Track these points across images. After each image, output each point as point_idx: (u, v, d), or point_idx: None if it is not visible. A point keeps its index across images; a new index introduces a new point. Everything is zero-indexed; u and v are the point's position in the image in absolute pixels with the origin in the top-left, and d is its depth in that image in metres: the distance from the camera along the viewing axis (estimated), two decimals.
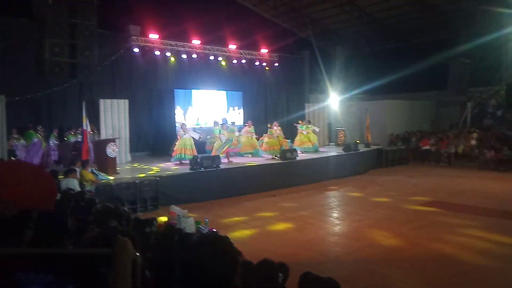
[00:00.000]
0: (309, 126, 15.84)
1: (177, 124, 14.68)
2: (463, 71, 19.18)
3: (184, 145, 12.12)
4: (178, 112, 15.56)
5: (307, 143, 15.35)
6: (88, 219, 3.52)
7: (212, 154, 12.39)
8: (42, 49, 12.14)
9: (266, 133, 14.91)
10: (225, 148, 12.62)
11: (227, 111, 17.10)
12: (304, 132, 15.52)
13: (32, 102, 12.28)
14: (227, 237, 1.35)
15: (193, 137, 12.33)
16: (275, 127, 14.87)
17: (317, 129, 16.04)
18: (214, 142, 13.05)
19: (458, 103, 19.69)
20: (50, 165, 11.36)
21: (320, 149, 16.08)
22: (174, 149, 12.29)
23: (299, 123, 15.83)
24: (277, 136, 14.71)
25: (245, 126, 14.78)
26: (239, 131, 14.26)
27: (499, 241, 6.84)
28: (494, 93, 18.58)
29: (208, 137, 14.20)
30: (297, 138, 15.55)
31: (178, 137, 12.34)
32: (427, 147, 17.55)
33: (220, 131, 12.87)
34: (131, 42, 14.44)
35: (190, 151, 12.04)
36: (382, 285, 5.11)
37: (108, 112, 12.40)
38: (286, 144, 14.78)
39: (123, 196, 8.81)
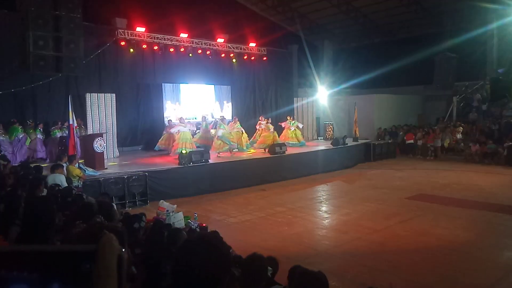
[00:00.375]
0: (293, 122, 15.91)
1: (165, 119, 14.57)
2: (448, 66, 19.40)
3: (184, 139, 12.23)
4: (169, 106, 15.44)
5: (293, 139, 15.36)
6: (75, 214, 3.48)
7: (212, 149, 12.44)
8: (25, 42, 11.85)
9: (261, 127, 15.10)
10: (226, 148, 12.65)
11: (222, 106, 17.04)
12: (292, 128, 15.59)
13: (16, 96, 12.04)
14: (217, 232, 1.35)
15: (192, 130, 12.49)
16: (260, 121, 15.00)
17: (300, 125, 16.08)
18: (207, 137, 13.16)
19: (444, 98, 19.96)
20: (37, 160, 11.18)
21: (309, 144, 16.16)
22: (174, 143, 12.34)
23: (288, 119, 15.91)
24: (273, 132, 14.82)
25: (230, 122, 14.79)
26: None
27: (484, 233, 6.98)
28: (479, 88, 18.89)
29: (197, 131, 14.15)
30: (283, 133, 15.56)
31: (174, 131, 12.35)
32: (411, 141, 17.79)
33: (221, 126, 12.90)
34: (118, 35, 14.22)
35: (190, 145, 12.21)
36: (370, 277, 5.18)
37: (94, 106, 12.22)
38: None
39: (111, 191, 8.74)
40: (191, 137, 12.64)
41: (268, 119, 15.17)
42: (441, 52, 18.82)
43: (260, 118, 15.50)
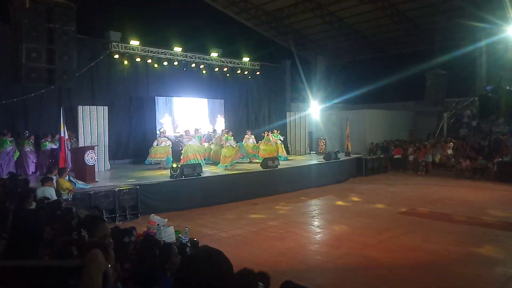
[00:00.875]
0: (276, 135, 16.08)
1: (157, 132, 14.56)
2: (439, 82, 19.75)
3: (194, 150, 12.56)
4: (166, 120, 15.46)
5: (275, 153, 15.25)
6: (62, 228, 3.44)
7: (222, 162, 12.88)
8: (18, 53, 11.86)
9: (262, 140, 15.45)
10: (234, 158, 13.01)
11: (215, 120, 17.11)
12: (279, 142, 15.64)
13: (7, 108, 11.96)
14: (222, 253, 1.32)
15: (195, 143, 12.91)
16: (247, 136, 15.16)
17: (281, 138, 16.19)
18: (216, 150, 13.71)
19: (435, 113, 20.22)
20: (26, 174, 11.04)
21: (301, 158, 16.27)
22: (183, 156, 12.53)
23: (274, 133, 16.01)
24: (276, 143, 15.12)
25: (218, 135, 14.93)
26: (209, 140, 14.82)
27: (475, 249, 7.01)
28: (469, 104, 19.18)
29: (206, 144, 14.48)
30: (266, 147, 15.41)
31: (185, 143, 12.68)
32: (399, 156, 17.95)
33: (227, 138, 13.19)
34: (111, 48, 14.28)
35: (199, 156, 12.71)
36: None
37: (86, 119, 12.21)
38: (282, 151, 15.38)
39: (102, 204, 8.66)
40: (198, 148, 13.06)
41: (268, 132, 15.61)
42: (432, 68, 19.17)
43: (247, 133, 15.62)
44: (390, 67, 19.51)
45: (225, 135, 13.68)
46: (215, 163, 13.64)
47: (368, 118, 19.36)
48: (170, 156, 13.14)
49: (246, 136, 15.50)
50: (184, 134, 13.43)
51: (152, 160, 13.15)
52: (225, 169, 12.75)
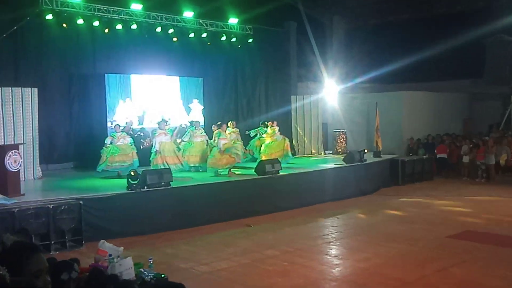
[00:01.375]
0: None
1: (109, 124, 14.47)
2: (504, 53, 19.83)
3: (171, 152, 12.97)
4: (123, 107, 15.48)
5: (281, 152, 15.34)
6: None
7: (211, 164, 13.18)
8: None
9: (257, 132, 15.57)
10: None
11: (188, 105, 17.10)
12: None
13: None
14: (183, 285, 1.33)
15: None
16: (230, 128, 15.09)
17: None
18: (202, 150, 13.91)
19: (499, 97, 20.31)
20: None
21: (313, 159, 16.30)
22: (154, 159, 12.73)
23: (268, 125, 15.95)
24: (283, 139, 15.25)
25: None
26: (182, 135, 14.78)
27: None
28: None
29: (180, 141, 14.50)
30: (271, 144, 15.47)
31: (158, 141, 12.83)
32: (443, 155, 18.04)
33: (220, 135, 13.35)
34: (42, 4, 14.16)
35: (176, 159, 13.16)
36: None
37: (8, 105, 12.12)
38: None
39: (31, 227, 8.60)
40: (175, 148, 13.27)
41: (273, 122, 15.61)
42: (494, 34, 19.23)
43: (230, 125, 15.13)
44: (436, 32, 19.59)
45: (217, 130, 13.72)
46: (199, 168, 13.88)
47: (406, 104, 19.41)
48: (137, 160, 13.20)
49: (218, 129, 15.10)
50: (158, 127, 13.43)
51: (110, 167, 13.07)
52: (215, 175, 13.00)
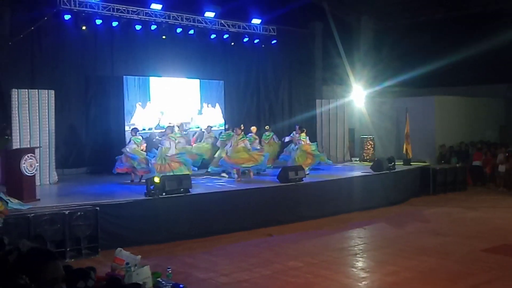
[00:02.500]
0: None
1: (127, 128, 14.65)
2: None
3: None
4: (141, 110, 15.70)
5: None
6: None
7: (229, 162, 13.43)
8: None
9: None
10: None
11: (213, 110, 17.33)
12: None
13: None
14: None
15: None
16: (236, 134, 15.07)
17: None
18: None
19: None
20: None
21: (339, 166, 16.21)
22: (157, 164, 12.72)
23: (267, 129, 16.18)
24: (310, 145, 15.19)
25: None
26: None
27: None
28: None
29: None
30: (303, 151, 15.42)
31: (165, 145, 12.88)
32: (478, 163, 17.81)
33: (230, 135, 13.71)
34: (60, 4, 14.39)
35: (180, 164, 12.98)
36: None
37: (24, 108, 12.33)
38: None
39: (46, 233, 8.73)
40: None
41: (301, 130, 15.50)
42: None
43: (236, 131, 14.47)
44: (470, 33, 19.35)
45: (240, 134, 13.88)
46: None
47: (438, 109, 19.23)
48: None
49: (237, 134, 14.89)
50: (165, 132, 13.55)
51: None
52: (221, 174, 13.35)
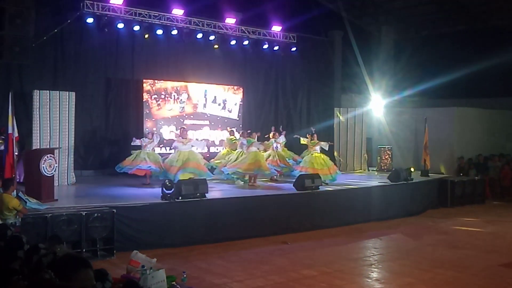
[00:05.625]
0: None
1: (145, 130, 14.78)
2: None
3: (190, 159, 13.09)
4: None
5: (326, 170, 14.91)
6: (12, 267, 3.50)
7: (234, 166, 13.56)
8: None
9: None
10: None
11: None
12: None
13: None
14: None
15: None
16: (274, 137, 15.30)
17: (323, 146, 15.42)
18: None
19: None
20: None
21: (356, 176, 16.15)
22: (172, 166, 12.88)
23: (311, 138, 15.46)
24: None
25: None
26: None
27: None
28: None
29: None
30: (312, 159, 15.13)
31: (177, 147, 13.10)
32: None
33: (250, 141, 13.75)
34: (83, 8, 14.55)
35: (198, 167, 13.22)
36: None
37: (45, 109, 12.46)
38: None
39: (63, 234, 8.77)
40: (199, 157, 13.46)
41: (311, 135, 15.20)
42: None
43: (272, 131, 15.49)
44: (491, 45, 19.17)
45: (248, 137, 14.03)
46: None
47: (457, 120, 19.08)
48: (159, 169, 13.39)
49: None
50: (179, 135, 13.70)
51: (126, 168, 13.27)
52: (235, 180, 13.47)
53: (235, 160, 13.89)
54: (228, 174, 13.92)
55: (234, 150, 14.75)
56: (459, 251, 10.61)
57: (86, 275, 2.53)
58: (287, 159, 15.22)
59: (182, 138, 13.38)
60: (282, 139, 15.24)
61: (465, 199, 16.69)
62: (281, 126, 16.16)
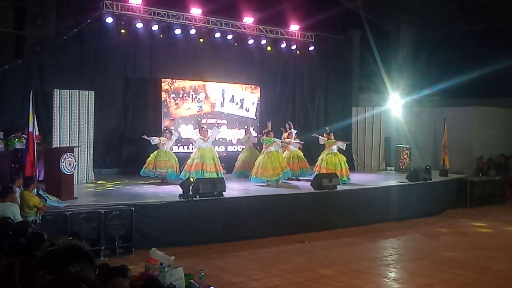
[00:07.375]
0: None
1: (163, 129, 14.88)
2: None
3: (208, 158, 13.28)
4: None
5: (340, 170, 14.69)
6: (34, 262, 3.55)
7: (259, 175, 13.50)
8: None
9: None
10: None
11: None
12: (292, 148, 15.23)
13: None
14: None
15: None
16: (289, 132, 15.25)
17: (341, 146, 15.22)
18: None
19: None
20: None
21: (373, 175, 16.06)
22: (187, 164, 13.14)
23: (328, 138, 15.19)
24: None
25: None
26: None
27: None
28: None
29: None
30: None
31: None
32: None
33: (270, 141, 13.80)
34: (103, 8, 14.68)
35: (215, 167, 13.33)
36: None
37: (64, 107, 12.61)
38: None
39: (82, 231, 8.86)
40: (216, 156, 13.55)
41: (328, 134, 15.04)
42: None
43: (288, 126, 15.35)
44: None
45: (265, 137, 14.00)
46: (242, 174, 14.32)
47: (477, 119, 18.90)
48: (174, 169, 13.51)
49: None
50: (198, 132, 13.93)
51: (151, 172, 13.40)
52: (267, 184, 13.36)
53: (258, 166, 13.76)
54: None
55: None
56: (479, 252, 10.51)
57: (120, 284, 2.53)
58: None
59: (203, 137, 13.51)
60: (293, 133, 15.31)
61: (484, 199, 16.53)
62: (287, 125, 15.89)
